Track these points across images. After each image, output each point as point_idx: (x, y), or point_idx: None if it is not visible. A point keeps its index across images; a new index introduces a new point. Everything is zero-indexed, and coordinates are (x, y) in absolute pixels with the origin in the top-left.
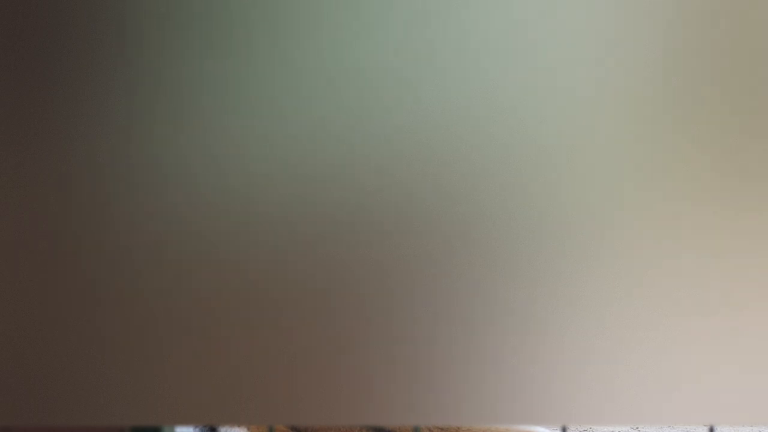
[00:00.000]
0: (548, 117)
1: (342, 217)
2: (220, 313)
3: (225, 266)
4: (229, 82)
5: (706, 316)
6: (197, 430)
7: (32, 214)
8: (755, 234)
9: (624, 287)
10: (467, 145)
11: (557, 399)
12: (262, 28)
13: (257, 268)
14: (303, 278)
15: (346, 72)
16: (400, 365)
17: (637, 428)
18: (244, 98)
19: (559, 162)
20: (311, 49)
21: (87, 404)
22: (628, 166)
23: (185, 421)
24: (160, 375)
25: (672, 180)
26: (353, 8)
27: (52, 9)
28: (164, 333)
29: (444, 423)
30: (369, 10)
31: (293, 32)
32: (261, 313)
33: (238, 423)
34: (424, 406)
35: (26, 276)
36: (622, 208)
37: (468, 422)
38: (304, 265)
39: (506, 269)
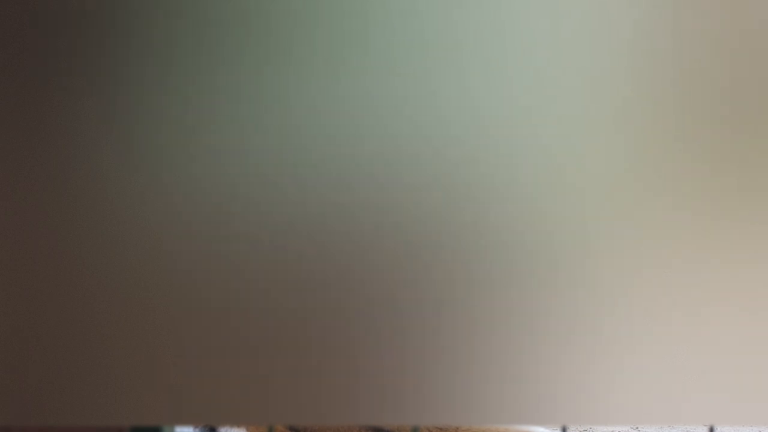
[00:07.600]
0: (550, 121)
1: (343, 219)
2: (220, 313)
3: (226, 267)
4: (233, 84)
5: (705, 317)
6: (197, 430)
7: (32, 214)
8: (754, 236)
9: (624, 288)
10: (473, 148)
11: (557, 399)
12: (267, 30)
13: (258, 268)
14: (303, 279)
15: (352, 72)
16: (400, 365)
17: (637, 428)
18: (247, 100)
19: (563, 165)
20: (316, 49)
21: (87, 404)
22: (631, 168)
23: (185, 421)
24: (160, 375)
25: (672, 184)
26: (357, 9)
27: (54, 9)
28: (164, 333)
29: (444, 423)
30: (373, 10)
31: (296, 32)
32: (261, 314)
33: (238, 423)
34: (424, 406)
35: (26, 276)
36: (622, 212)
37: (468, 422)
38: (304, 267)
39: (507, 271)
